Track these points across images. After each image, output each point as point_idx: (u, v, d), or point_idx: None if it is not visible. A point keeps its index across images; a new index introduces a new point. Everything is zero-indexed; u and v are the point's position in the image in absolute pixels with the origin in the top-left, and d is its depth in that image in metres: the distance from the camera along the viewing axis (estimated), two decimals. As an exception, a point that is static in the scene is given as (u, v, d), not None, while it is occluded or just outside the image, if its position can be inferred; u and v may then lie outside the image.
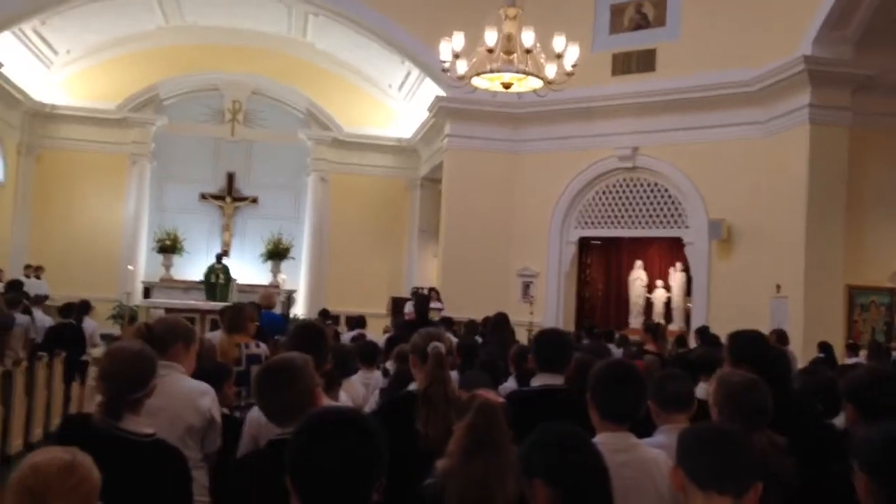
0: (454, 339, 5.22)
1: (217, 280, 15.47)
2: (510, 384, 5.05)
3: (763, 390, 2.78)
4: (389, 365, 4.74)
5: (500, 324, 7.66)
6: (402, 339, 5.79)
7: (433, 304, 13.63)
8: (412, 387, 3.55)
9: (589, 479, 2.08)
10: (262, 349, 4.85)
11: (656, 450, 2.94)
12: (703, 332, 9.64)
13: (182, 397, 2.86)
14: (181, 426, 2.95)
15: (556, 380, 3.72)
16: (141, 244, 18.67)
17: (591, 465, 2.11)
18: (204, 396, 3.25)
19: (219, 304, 14.87)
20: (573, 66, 10.50)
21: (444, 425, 3.32)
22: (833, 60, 11.98)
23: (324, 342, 3.45)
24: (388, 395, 4.16)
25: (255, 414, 3.24)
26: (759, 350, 3.43)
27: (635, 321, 15.64)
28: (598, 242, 16.51)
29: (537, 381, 3.76)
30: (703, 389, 4.41)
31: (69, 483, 1.66)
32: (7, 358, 7.57)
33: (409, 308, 14.38)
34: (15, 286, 9.41)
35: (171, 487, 2.44)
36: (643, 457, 2.79)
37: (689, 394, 3.47)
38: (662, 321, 14.01)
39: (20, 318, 8.37)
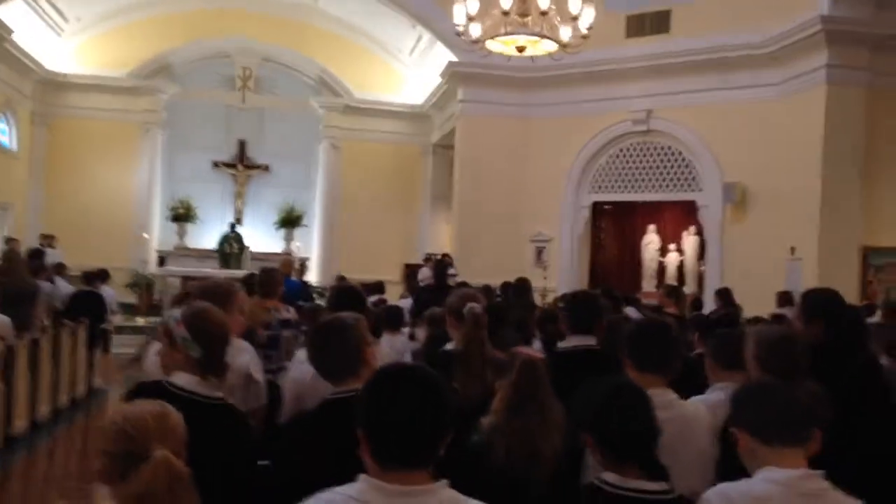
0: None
1: (231, 249, 15.55)
2: (536, 346, 5.10)
3: (800, 343, 2.82)
4: (419, 330, 4.79)
5: (522, 288, 7.71)
6: (427, 303, 5.85)
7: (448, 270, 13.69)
8: (449, 346, 3.60)
9: (634, 432, 2.11)
10: (292, 313, 4.91)
11: (697, 406, 2.99)
12: (725, 294, 9.65)
13: None
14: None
15: (589, 340, 3.77)
16: (154, 213, 18.75)
17: (637, 417, 2.15)
18: (241, 354, 3.32)
19: (236, 272, 15.02)
20: (588, 28, 10.39)
21: (481, 384, 3.38)
22: (851, 20, 11.81)
23: (362, 304, 3.50)
24: (424, 356, 4.22)
25: (296, 374, 3.31)
26: (832, 307, 3.43)
27: (648, 285, 15.70)
28: (610, 207, 16.48)
29: (570, 343, 3.80)
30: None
31: (164, 427, 1.75)
32: (33, 326, 7.66)
33: (423, 274, 14.44)
34: (37, 255, 9.50)
35: (237, 448, 2.50)
36: (685, 413, 2.84)
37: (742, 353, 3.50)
38: (674, 284, 14.02)
39: (43, 285, 8.46)
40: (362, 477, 1.73)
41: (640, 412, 2.15)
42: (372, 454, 1.72)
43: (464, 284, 11.24)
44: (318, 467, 2.41)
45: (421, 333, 4.73)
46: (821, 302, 3.60)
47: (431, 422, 1.72)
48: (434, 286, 8.42)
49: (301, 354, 4.38)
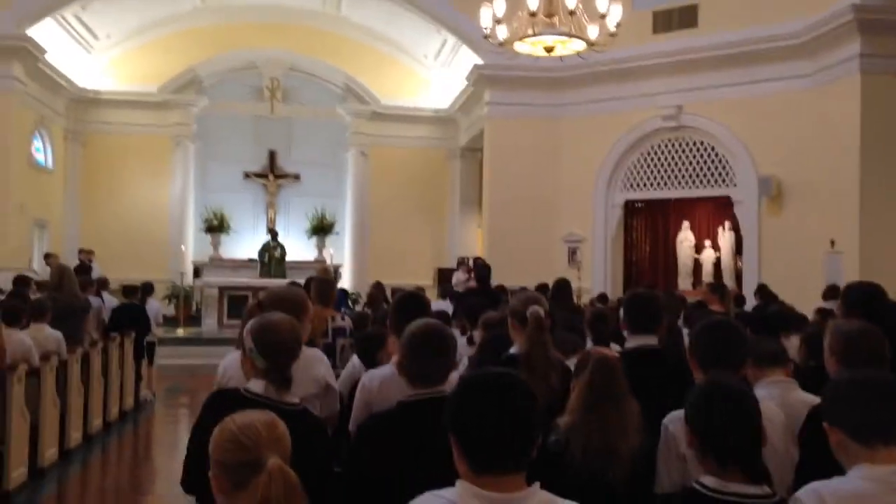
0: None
1: (271, 258, 15.73)
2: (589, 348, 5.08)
3: (880, 336, 2.79)
4: (476, 333, 4.80)
5: (562, 289, 7.66)
6: (473, 307, 5.85)
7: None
8: (513, 350, 3.61)
9: (738, 433, 2.10)
10: (347, 322, 4.95)
11: (769, 405, 2.96)
12: (764, 290, 9.57)
13: (300, 366, 2.94)
14: (300, 393, 3.03)
15: (651, 340, 3.74)
16: (188, 225, 18.96)
17: (742, 418, 2.13)
18: (319, 364, 3.35)
19: (273, 281, 15.14)
20: (616, 25, 10.34)
21: (546, 386, 3.38)
22: (884, 7, 11.68)
23: (427, 311, 3.52)
24: (479, 360, 4.22)
25: (365, 380, 3.34)
26: (871, 300, 3.43)
27: (684, 283, 15.58)
28: (643, 205, 16.38)
29: (631, 343, 3.78)
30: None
31: (274, 435, 1.76)
32: (84, 340, 7.80)
33: (456, 278, 14.45)
34: (84, 270, 9.67)
35: (317, 454, 2.52)
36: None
37: (783, 349, 3.50)
38: (712, 281, 13.89)
39: (93, 300, 8.63)
40: (460, 482, 1.73)
41: (745, 413, 2.13)
42: (466, 460, 1.73)
43: (500, 287, 11.26)
44: (393, 468, 2.43)
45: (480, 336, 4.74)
46: (861, 295, 3.59)
47: (524, 426, 1.73)
48: (478, 289, 8.43)
49: (356, 360, 4.42)
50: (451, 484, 1.80)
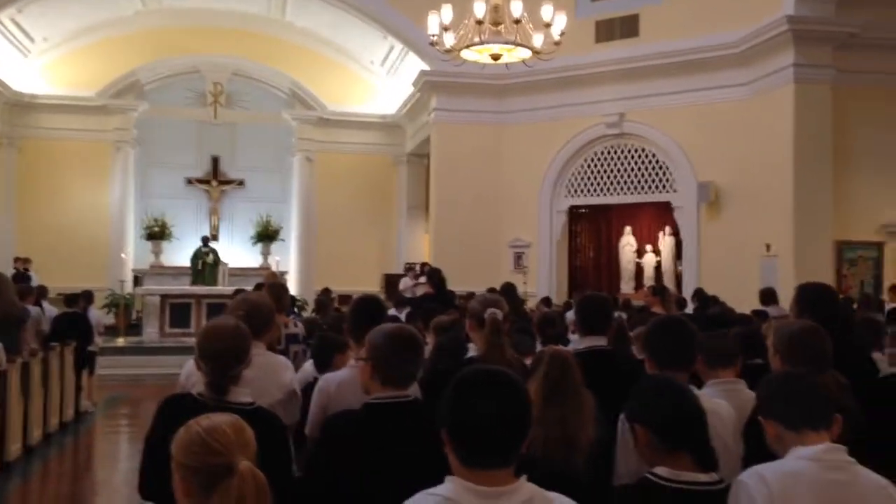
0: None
1: (204, 264, 15.47)
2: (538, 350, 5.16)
3: (823, 335, 2.92)
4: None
5: (508, 293, 7.76)
6: (431, 313, 5.89)
7: (422, 279, 13.72)
8: (471, 352, 3.66)
9: (683, 421, 2.20)
10: (300, 328, 4.93)
11: (718, 402, 3.07)
12: (701, 294, 9.84)
13: (266, 373, 2.94)
14: (266, 400, 3.03)
15: (601, 341, 3.84)
16: (128, 232, 18.56)
17: (686, 408, 2.23)
18: (286, 370, 3.36)
19: (214, 289, 14.95)
20: (561, 34, 10.53)
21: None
22: (816, 19, 12.13)
23: (384, 315, 3.55)
24: (435, 363, 4.25)
25: (322, 384, 3.34)
26: (821, 300, 3.58)
27: (627, 286, 15.88)
28: (586, 210, 16.65)
29: (582, 344, 3.88)
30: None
31: (243, 438, 1.75)
32: (23, 350, 7.59)
33: (403, 284, 14.46)
34: (23, 279, 9.41)
35: (274, 452, 2.50)
36: (708, 409, 2.91)
37: (734, 349, 3.61)
38: (654, 284, 14.18)
39: (32, 309, 8.41)
40: (451, 478, 1.77)
41: (694, 405, 2.26)
42: (458, 455, 1.77)
43: (451, 293, 11.30)
44: (357, 469, 2.44)
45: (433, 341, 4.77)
46: (811, 295, 3.74)
47: (517, 423, 1.78)
48: (433, 296, 8.48)
49: (308, 366, 4.42)
50: (416, 488, 1.84)
